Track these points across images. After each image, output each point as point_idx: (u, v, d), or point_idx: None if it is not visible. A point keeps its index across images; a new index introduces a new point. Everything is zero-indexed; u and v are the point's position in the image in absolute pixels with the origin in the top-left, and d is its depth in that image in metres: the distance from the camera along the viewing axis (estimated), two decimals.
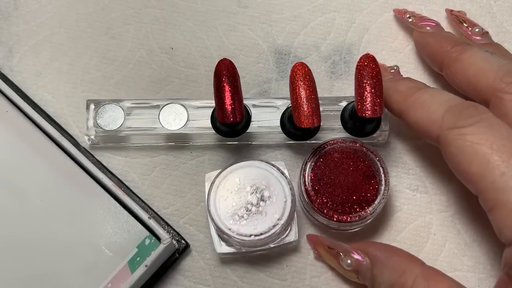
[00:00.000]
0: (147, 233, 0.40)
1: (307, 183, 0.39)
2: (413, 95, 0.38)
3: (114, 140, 0.43)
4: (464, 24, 0.43)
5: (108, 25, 0.46)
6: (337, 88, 0.45)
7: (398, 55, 0.46)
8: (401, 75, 0.43)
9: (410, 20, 0.44)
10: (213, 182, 0.39)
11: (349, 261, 0.38)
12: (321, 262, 0.42)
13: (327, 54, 0.46)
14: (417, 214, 0.42)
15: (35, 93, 0.45)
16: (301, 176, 0.40)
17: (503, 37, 0.46)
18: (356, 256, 0.38)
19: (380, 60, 0.44)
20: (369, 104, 0.38)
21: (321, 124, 0.40)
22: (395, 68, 0.43)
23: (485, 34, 0.43)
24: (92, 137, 0.42)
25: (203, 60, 0.46)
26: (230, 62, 0.38)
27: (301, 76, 0.38)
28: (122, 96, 0.45)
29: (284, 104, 0.42)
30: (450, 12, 0.45)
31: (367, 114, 0.38)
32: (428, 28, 0.43)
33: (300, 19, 0.47)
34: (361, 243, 0.40)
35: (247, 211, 0.38)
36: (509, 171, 0.31)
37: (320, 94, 0.44)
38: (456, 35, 0.43)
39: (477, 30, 0.43)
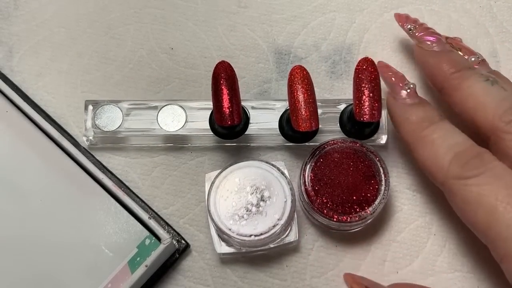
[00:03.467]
0: (147, 233, 0.40)
1: (307, 183, 0.39)
2: (424, 130, 0.37)
3: (113, 141, 0.43)
4: (460, 52, 0.41)
5: (108, 25, 0.46)
6: (337, 88, 0.45)
7: (398, 55, 0.46)
8: (417, 96, 0.39)
9: (410, 31, 0.42)
10: (213, 182, 0.39)
11: None
12: (321, 262, 0.42)
13: (327, 54, 0.46)
14: (417, 214, 0.42)
15: (35, 93, 0.45)
16: (301, 176, 0.40)
17: (503, 37, 0.46)
18: None
19: (380, 59, 0.44)
20: (367, 108, 0.38)
21: (320, 126, 0.40)
22: (411, 86, 0.39)
23: (482, 62, 0.40)
24: (91, 137, 0.42)
25: (203, 60, 0.46)
26: (228, 64, 0.38)
27: (299, 79, 0.38)
28: (122, 96, 0.45)
29: (282, 106, 0.42)
30: (445, 39, 0.42)
31: (365, 118, 0.38)
32: (428, 43, 0.41)
33: (300, 19, 0.46)
34: (398, 284, 0.39)
35: (247, 211, 0.38)
36: None
37: (320, 94, 0.44)
38: (458, 55, 0.40)
39: (473, 59, 0.40)
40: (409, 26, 0.42)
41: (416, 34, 0.41)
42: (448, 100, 0.39)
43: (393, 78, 0.40)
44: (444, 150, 0.36)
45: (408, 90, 0.39)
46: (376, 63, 0.39)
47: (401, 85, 0.39)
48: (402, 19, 0.43)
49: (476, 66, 0.40)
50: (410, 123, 0.38)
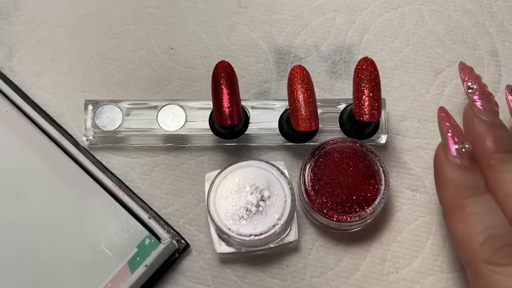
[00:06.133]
0: (147, 233, 0.40)
1: (307, 183, 0.39)
2: (466, 199, 0.35)
3: (112, 141, 0.43)
4: None
5: (108, 25, 0.46)
6: (337, 88, 0.45)
7: (398, 55, 0.46)
8: (469, 159, 0.36)
9: (470, 91, 0.38)
10: (213, 182, 0.39)
11: None
12: (321, 262, 0.42)
13: (327, 54, 0.46)
14: (417, 214, 0.42)
15: (35, 93, 0.45)
16: (301, 176, 0.40)
17: (504, 37, 0.46)
18: None
19: (380, 59, 0.44)
20: (367, 108, 0.38)
21: (320, 126, 0.40)
22: (466, 146, 0.35)
23: None
24: (91, 137, 0.42)
25: (203, 60, 0.46)
26: (228, 64, 0.38)
27: (299, 79, 0.38)
28: (122, 96, 0.45)
29: (282, 106, 0.42)
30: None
31: (365, 118, 0.38)
32: (481, 110, 0.37)
33: (300, 19, 0.46)
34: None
35: (247, 211, 0.38)
36: None
37: (320, 94, 0.44)
38: (507, 134, 0.37)
39: None
40: (469, 84, 0.38)
41: (473, 96, 0.38)
42: (483, 176, 0.36)
43: (450, 131, 0.36)
44: (480, 228, 0.34)
45: (463, 150, 0.35)
46: (438, 110, 0.37)
47: (456, 140, 0.36)
48: (465, 72, 0.39)
49: None
50: (453, 186, 0.35)
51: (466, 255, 0.35)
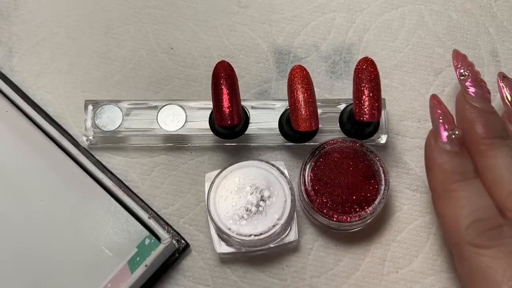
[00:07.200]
0: (147, 233, 0.40)
1: (307, 183, 0.39)
2: (454, 183, 0.35)
3: (113, 141, 0.43)
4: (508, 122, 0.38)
5: (108, 25, 0.46)
6: (337, 88, 0.45)
7: (398, 55, 0.46)
8: (458, 145, 0.36)
9: (462, 77, 0.39)
10: (213, 182, 0.39)
11: None
12: (320, 262, 0.42)
13: (327, 54, 0.46)
14: (417, 214, 0.42)
15: (35, 93, 0.45)
16: (301, 176, 0.40)
17: (504, 37, 0.46)
18: None
19: (380, 59, 0.44)
20: (367, 108, 0.38)
21: (320, 126, 0.40)
22: (456, 133, 0.36)
23: None
24: (91, 137, 0.42)
25: (203, 60, 0.46)
26: (228, 64, 0.38)
27: (299, 79, 0.38)
28: (122, 96, 0.45)
29: (282, 106, 0.42)
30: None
31: (365, 118, 0.38)
32: (472, 96, 0.38)
33: (300, 19, 0.46)
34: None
35: (247, 211, 0.38)
36: None
37: (320, 94, 0.44)
38: (497, 120, 0.38)
39: None
40: (462, 71, 0.39)
41: (465, 82, 0.39)
42: (472, 161, 0.37)
43: (440, 118, 0.37)
44: (466, 212, 0.35)
45: (453, 136, 0.36)
46: (430, 97, 0.38)
47: (446, 127, 0.36)
48: (459, 59, 0.40)
49: None
50: (442, 171, 0.36)
51: (453, 238, 0.35)
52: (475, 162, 0.37)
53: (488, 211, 0.35)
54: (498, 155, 0.36)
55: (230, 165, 0.39)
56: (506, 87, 0.40)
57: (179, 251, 0.41)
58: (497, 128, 0.37)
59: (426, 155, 0.38)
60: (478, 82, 0.39)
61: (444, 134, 0.36)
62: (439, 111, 0.37)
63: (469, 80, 0.39)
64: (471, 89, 0.38)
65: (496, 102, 0.43)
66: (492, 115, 0.38)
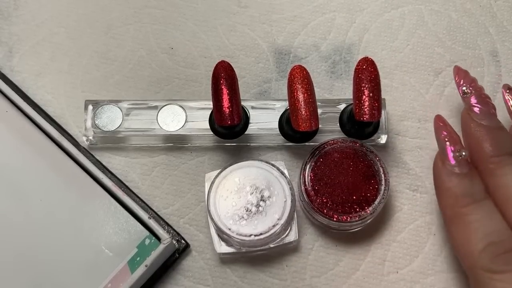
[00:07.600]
0: (147, 233, 0.40)
1: (307, 183, 0.39)
2: (464, 207, 0.35)
3: (113, 141, 0.43)
4: None
5: (108, 25, 0.46)
6: (337, 88, 0.45)
7: (398, 55, 0.46)
8: (467, 166, 0.36)
9: (465, 95, 0.38)
10: (213, 182, 0.39)
11: None
12: (321, 262, 0.42)
13: (327, 54, 0.46)
14: (417, 214, 0.42)
15: (35, 93, 0.45)
16: (301, 176, 0.40)
17: (504, 37, 0.46)
18: None
19: (380, 59, 0.44)
20: (367, 108, 0.38)
21: (320, 126, 0.40)
22: (463, 154, 0.35)
23: None
24: (91, 137, 0.42)
25: (203, 60, 0.46)
26: (228, 64, 0.38)
27: (299, 79, 0.38)
28: (122, 96, 0.45)
29: (282, 106, 0.42)
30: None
31: (365, 118, 0.38)
32: (478, 114, 0.37)
33: (300, 19, 0.46)
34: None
35: (247, 211, 0.38)
36: None
37: (320, 94, 0.44)
38: (505, 136, 0.37)
39: None
40: (464, 88, 0.38)
41: (469, 100, 0.38)
42: (481, 180, 0.36)
43: (446, 140, 0.36)
44: (479, 236, 0.34)
45: (460, 158, 0.35)
46: (434, 119, 0.37)
47: (453, 149, 0.36)
48: (460, 75, 0.39)
49: None
50: (452, 195, 0.35)
51: (466, 262, 0.35)
52: (485, 182, 0.36)
53: (502, 233, 0.34)
54: (508, 172, 0.35)
55: (230, 165, 0.39)
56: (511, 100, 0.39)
57: (179, 251, 0.41)
58: (505, 145, 0.36)
59: (435, 178, 0.37)
60: (483, 99, 0.38)
61: (452, 156, 0.35)
62: (444, 132, 0.36)
63: (473, 97, 0.38)
64: (476, 108, 0.37)
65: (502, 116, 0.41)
66: (500, 131, 0.37)
